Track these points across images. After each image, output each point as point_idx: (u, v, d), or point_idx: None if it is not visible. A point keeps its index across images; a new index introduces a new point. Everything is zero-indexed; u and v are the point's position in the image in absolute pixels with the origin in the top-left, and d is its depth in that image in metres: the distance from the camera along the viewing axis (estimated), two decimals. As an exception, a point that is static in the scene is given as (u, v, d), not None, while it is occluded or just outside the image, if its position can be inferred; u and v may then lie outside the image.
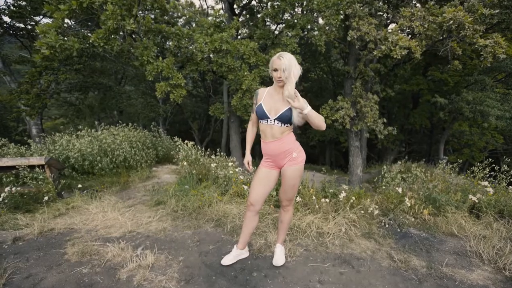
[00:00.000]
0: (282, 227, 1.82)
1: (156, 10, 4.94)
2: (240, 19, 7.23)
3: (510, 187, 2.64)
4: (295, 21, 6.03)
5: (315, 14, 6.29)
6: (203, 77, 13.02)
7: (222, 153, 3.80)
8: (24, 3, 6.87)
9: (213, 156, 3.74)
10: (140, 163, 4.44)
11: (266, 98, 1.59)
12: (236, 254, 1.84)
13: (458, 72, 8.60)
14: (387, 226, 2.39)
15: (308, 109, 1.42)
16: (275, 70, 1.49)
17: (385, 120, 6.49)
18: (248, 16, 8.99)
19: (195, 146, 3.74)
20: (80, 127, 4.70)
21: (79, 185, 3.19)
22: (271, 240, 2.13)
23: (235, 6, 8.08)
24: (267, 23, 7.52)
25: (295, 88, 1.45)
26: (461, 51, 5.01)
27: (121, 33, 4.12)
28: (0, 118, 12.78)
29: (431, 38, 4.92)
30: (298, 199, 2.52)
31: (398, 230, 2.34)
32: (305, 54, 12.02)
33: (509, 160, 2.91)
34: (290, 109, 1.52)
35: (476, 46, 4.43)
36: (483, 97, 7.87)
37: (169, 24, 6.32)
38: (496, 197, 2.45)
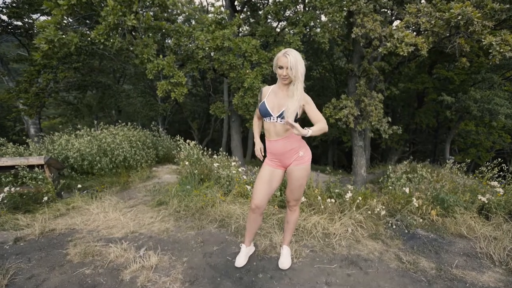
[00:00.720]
0: (289, 228, 1.79)
1: (156, 7, 4.86)
2: (241, 16, 7.13)
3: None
4: (298, 17, 5.94)
5: (318, 11, 6.20)
6: (203, 75, 12.93)
7: (224, 153, 3.75)
8: (21, 1, 6.78)
9: (214, 156, 3.69)
10: (140, 163, 4.39)
11: (270, 96, 1.57)
12: (246, 253, 1.83)
13: (464, 70, 8.47)
14: (394, 227, 2.34)
15: (310, 132, 1.39)
16: (280, 67, 1.45)
17: (389, 119, 6.39)
18: (249, 13, 8.89)
19: (197, 145, 3.69)
20: (78, 126, 4.64)
21: (79, 185, 3.15)
22: (276, 241, 2.09)
23: (236, 2, 7.98)
24: (269, 20, 7.42)
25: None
26: (469, 48, 4.92)
27: (120, 30, 4.06)
28: (-2, 117, 12.74)
29: (438, 34, 4.83)
30: (303, 199, 2.47)
31: (406, 231, 2.30)
32: (307, 52, 11.93)
33: None
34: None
35: (485, 43, 4.33)
36: (491, 96, 7.73)
37: (169, 22, 6.23)
38: (506, 198, 2.41)
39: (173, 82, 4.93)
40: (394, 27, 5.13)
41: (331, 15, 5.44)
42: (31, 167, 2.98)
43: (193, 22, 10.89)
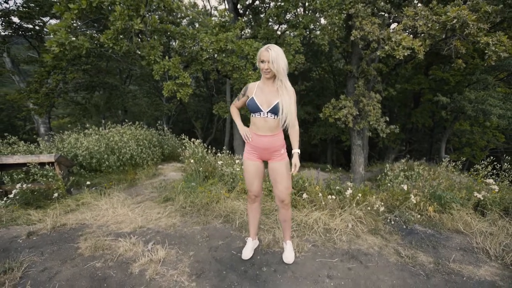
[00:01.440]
0: (287, 225, 1.84)
1: (162, 11, 5.00)
2: (244, 19, 7.27)
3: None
4: (299, 20, 6.06)
5: (317, 14, 6.32)
6: (206, 76, 13.09)
7: (227, 151, 3.84)
8: (32, 4, 6.97)
9: (218, 154, 3.78)
10: (146, 160, 4.49)
11: (257, 92, 1.59)
12: (252, 246, 1.91)
13: (459, 72, 8.61)
14: (393, 222, 2.41)
15: (297, 151, 1.62)
16: (262, 61, 1.51)
17: (387, 119, 6.50)
18: (251, 16, 9.04)
19: (201, 144, 3.79)
20: (87, 125, 4.76)
21: (88, 182, 3.24)
22: (279, 236, 2.16)
23: (239, 6, 8.13)
24: (270, 23, 7.55)
25: (296, 87, 1.51)
26: (464, 50, 5.01)
27: (127, 33, 4.17)
28: (8, 117, 12.95)
29: (434, 37, 4.93)
30: (305, 195, 2.55)
31: (404, 226, 2.37)
32: (307, 54, 12.04)
33: (510, 158, 2.93)
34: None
35: (480, 44, 4.43)
36: (485, 96, 7.86)
37: (174, 24, 6.36)
38: (501, 195, 2.47)
39: (178, 83, 5.05)
40: (392, 30, 5.23)
41: (330, 18, 5.55)
42: (42, 164, 3.08)
43: (197, 25, 11.05)
